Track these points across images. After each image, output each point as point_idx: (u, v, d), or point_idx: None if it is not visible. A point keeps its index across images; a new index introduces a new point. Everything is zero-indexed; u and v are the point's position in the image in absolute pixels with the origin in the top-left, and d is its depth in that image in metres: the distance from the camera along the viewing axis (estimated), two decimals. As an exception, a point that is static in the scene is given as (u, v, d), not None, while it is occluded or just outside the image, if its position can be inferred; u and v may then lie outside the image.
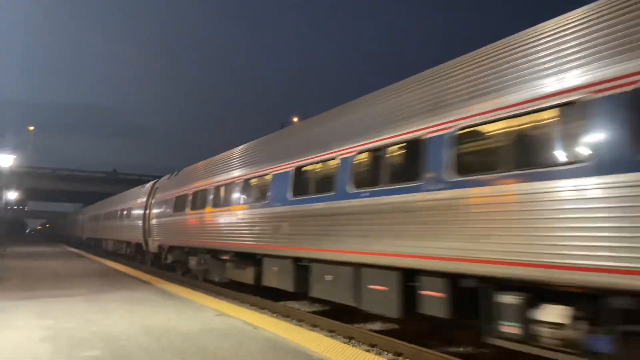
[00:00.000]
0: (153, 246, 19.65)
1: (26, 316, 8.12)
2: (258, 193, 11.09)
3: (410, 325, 8.85)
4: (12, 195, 50.66)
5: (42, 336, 6.66)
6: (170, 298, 10.68)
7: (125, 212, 26.26)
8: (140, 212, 21.93)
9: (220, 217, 12.73)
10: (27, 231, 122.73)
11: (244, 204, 11.53)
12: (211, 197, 13.44)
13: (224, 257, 12.75)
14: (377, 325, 9.31)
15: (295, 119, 34.22)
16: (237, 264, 12.05)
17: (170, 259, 17.49)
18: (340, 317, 9.92)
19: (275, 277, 10.14)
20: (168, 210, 17.60)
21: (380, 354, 7.10)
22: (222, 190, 12.88)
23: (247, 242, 11.05)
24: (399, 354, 7.09)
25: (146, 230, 20.75)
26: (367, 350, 7.03)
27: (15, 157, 24.32)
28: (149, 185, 22.88)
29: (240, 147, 13.20)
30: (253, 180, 11.35)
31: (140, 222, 21.86)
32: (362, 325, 9.21)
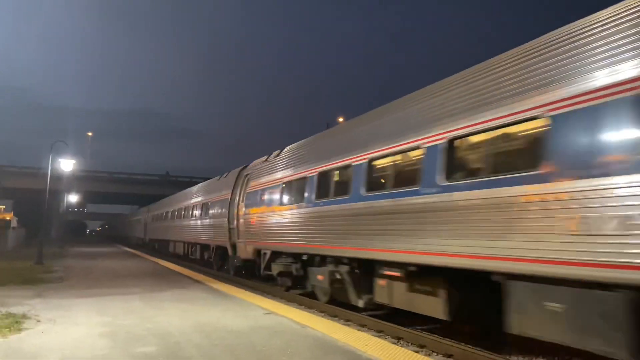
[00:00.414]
0: (244, 251, 15.11)
1: (87, 313, 8.53)
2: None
3: (459, 327, 8.66)
4: (72, 198, 53.49)
5: (101, 332, 6.98)
6: (221, 296, 10.94)
7: (200, 209, 22.08)
8: (223, 208, 17.75)
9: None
10: (87, 232, 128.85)
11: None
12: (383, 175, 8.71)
13: (389, 273, 8.22)
14: (426, 326, 9.16)
15: (341, 119, 34.22)
16: (415, 285, 7.81)
17: (275, 269, 12.59)
18: (388, 318, 9.84)
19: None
20: (271, 201, 13.13)
21: (429, 355, 6.99)
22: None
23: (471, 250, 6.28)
24: (449, 356, 6.96)
25: (234, 230, 16.29)
26: (416, 351, 6.93)
27: (75, 162, 25.56)
28: (233, 173, 18.16)
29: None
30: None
31: (223, 221, 17.55)
32: (410, 326, 9.09)
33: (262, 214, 13.82)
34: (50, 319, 7.82)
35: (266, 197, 13.58)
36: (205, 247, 21.15)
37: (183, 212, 26.01)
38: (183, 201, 26.77)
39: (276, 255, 12.86)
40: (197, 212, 22.61)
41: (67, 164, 24.55)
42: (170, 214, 30.25)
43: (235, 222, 16.12)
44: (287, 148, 13.67)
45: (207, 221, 20.29)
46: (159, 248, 34.79)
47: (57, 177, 32.17)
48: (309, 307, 11.06)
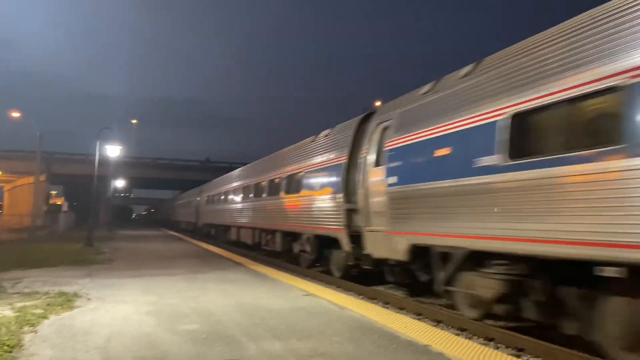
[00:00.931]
0: (385, 246, 9.36)
1: (134, 292, 8.87)
2: None
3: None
4: (119, 183, 55.38)
5: (147, 310, 7.25)
6: (262, 278, 11.14)
7: (286, 183, 15.86)
8: (333, 178, 12.07)
9: None
10: (133, 216, 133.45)
11: None
12: None
13: None
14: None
15: (378, 103, 33.84)
16: None
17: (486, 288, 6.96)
18: (426, 301, 9.79)
19: None
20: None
21: (470, 338, 6.92)
22: None
23: None
24: (490, 339, 6.86)
25: (357, 213, 10.77)
26: (457, 334, 6.87)
27: (120, 148, 26.41)
28: (349, 125, 12.18)
29: None
30: None
31: (328, 199, 12.19)
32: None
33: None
34: (100, 298, 8.18)
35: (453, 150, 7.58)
36: (291, 236, 15.56)
37: (256, 190, 20.03)
38: (256, 176, 20.60)
39: (477, 259, 7.14)
40: (279, 188, 16.57)
41: (113, 150, 25.40)
42: (233, 193, 24.48)
43: (362, 198, 10.50)
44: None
45: (301, 199, 14.46)
46: (216, 234, 29.48)
47: (104, 163, 33.34)
48: (347, 290, 11.12)
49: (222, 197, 27.16)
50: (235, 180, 24.94)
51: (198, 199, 36.89)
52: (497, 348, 6.46)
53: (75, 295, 8.32)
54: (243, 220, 21.92)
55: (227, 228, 25.91)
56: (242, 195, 22.57)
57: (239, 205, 23.06)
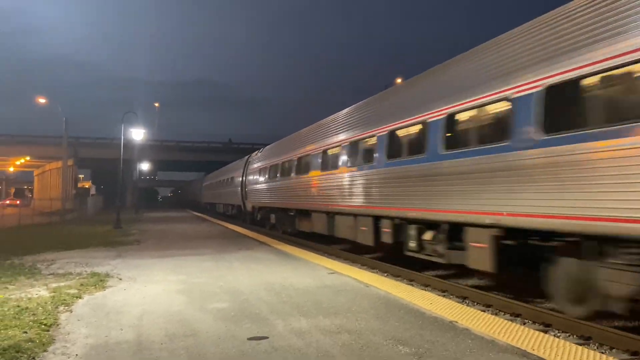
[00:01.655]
0: None
1: (163, 272, 9.09)
2: None
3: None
4: (144, 166, 56.32)
5: (177, 289, 7.43)
6: (287, 257, 11.27)
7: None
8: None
9: None
10: (159, 198, 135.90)
11: None
12: None
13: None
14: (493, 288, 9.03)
15: (399, 80, 33.40)
16: None
17: None
18: (451, 279, 9.79)
19: None
20: None
21: (496, 314, 6.91)
22: None
23: None
24: (517, 315, 6.84)
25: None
26: (483, 310, 6.86)
27: (145, 131, 26.79)
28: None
29: None
30: None
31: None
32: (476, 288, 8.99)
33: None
34: (131, 277, 8.41)
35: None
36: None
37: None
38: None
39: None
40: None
41: (137, 134, 25.79)
42: (212, 184, 25.42)
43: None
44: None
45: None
46: (211, 209, 30.42)
47: (130, 147, 33.87)
48: (371, 268, 11.18)
49: (293, 166, 17.19)
50: (319, 137, 15.38)
51: (245, 174, 26.64)
52: (524, 324, 6.44)
53: (107, 275, 8.57)
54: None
55: (302, 214, 16.60)
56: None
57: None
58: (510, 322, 5.56)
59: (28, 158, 62.46)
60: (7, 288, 7.39)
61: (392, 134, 10.25)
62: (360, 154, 11.88)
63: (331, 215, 13.63)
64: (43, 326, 5.21)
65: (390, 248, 10.73)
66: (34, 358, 4.31)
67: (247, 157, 27.84)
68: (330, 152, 13.88)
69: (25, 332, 4.94)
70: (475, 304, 7.63)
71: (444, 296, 7.86)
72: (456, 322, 5.46)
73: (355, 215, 11.97)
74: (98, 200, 44.26)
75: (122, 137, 24.60)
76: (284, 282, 7.96)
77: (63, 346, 4.64)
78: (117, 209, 23.03)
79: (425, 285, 9.11)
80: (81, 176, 78.70)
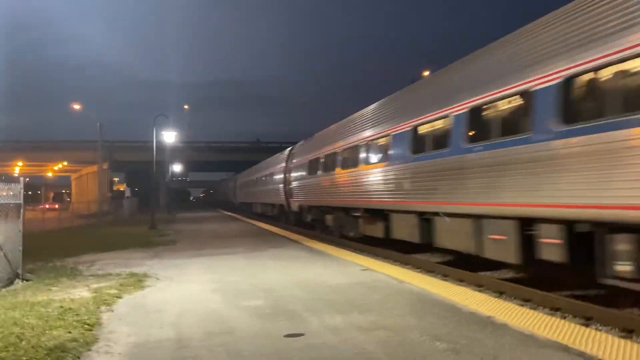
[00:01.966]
0: None
1: (198, 271, 9.25)
2: None
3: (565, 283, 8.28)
4: (176, 167, 57.38)
5: (212, 288, 7.55)
6: (318, 255, 11.31)
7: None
8: None
9: None
10: (191, 199, 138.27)
11: None
12: None
13: None
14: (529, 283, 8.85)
15: (426, 73, 32.98)
16: None
17: None
18: (484, 271, 9.63)
19: None
20: None
21: (535, 308, 6.76)
22: None
23: None
24: (557, 309, 6.69)
25: None
26: (521, 305, 6.73)
27: (176, 133, 27.29)
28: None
29: None
30: None
31: None
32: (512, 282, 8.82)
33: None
34: (168, 277, 8.60)
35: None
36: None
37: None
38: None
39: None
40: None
41: (169, 136, 26.30)
42: (248, 182, 24.59)
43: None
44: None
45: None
46: (245, 209, 28.60)
47: (162, 149, 34.55)
48: (404, 264, 11.10)
49: (359, 154, 13.74)
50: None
51: (287, 168, 23.49)
52: (564, 318, 6.28)
53: (145, 275, 8.78)
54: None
55: (372, 214, 13.19)
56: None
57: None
58: (549, 317, 5.45)
59: (65, 163, 64.53)
60: (50, 290, 7.65)
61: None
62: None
63: (426, 218, 10.09)
64: (86, 326, 5.37)
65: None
66: (78, 357, 4.46)
67: (289, 149, 24.44)
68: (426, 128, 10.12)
69: (70, 332, 5.11)
70: (513, 298, 7.48)
71: (480, 291, 7.74)
72: (493, 317, 5.37)
73: (477, 217, 8.21)
74: (133, 202, 45.31)
75: (154, 139, 25.12)
76: (317, 279, 7.99)
77: (106, 345, 4.78)
78: (152, 210, 23.56)
79: (460, 280, 8.99)
80: (116, 179, 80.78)
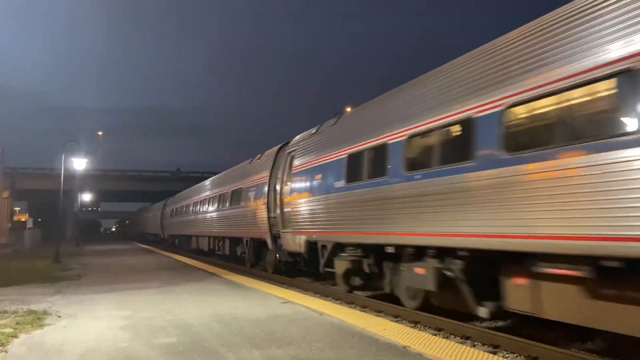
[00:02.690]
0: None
1: (107, 307, 8.65)
2: None
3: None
4: (86, 197, 54.07)
5: (122, 325, 7.08)
6: (237, 288, 11.03)
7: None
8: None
9: None
10: (101, 230, 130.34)
11: None
12: None
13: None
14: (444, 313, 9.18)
15: (349, 109, 34.07)
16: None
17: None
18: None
19: None
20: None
21: (447, 337, 7.01)
22: None
23: None
24: (467, 337, 6.97)
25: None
26: (434, 334, 6.95)
27: (87, 160, 25.83)
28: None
29: None
30: None
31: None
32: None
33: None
34: (71, 314, 7.95)
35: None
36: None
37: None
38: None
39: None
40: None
41: (79, 163, 24.82)
42: (191, 206, 26.93)
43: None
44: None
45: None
46: (180, 244, 32.16)
47: (71, 177, 32.52)
48: (324, 296, 11.11)
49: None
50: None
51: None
52: (474, 346, 6.56)
53: (45, 313, 8.07)
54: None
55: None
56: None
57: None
58: (460, 345, 5.67)
59: (-42, 190, 58.59)
60: None
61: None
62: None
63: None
64: (-27, 370, 4.82)
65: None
66: (-39, 406, 3.97)
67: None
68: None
69: (-48, 378, 4.55)
70: (427, 328, 7.72)
71: (396, 321, 7.91)
72: (409, 347, 5.49)
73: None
74: (36, 234, 41.86)
75: (63, 167, 23.59)
76: (235, 313, 7.77)
77: (-5, 391, 4.30)
78: (56, 243, 21.88)
79: (379, 311, 9.14)
80: (17, 209, 74.47)
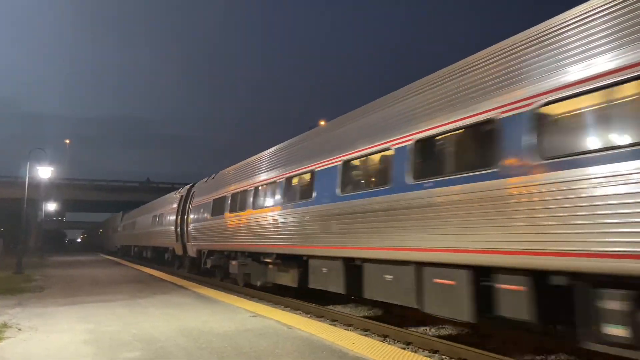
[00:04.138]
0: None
1: (69, 321, 8.38)
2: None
3: (450, 323, 8.77)
4: (51, 206, 52.53)
5: (84, 339, 6.87)
6: (206, 301, 10.85)
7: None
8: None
9: None
10: (67, 241, 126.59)
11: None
12: None
13: None
14: (412, 324, 9.25)
15: (322, 122, 34.28)
16: None
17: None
18: (373, 317, 9.89)
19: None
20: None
21: (415, 351, 7.05)
22: None
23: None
24: (435, 351, 7.02)
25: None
26: (403, 348, 6.98)
27: (53, 169, 25.16)
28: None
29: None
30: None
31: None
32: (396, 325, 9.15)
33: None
34: (32, 327, 7.68)
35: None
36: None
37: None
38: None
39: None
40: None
41: (45, 172, 24.18)
42: (135, 223, 35.10)
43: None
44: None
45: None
46: (125, 252, 40.08)
47: (35, 186, 31.61)
48: (294, 309, 11.05)
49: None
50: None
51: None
52: (442, 357, 6.62)
53: (5, 325, 7.76)
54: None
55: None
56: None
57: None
58: (428, 359, 5.69)
59: None
60: None
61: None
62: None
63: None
64: None
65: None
66: None
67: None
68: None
69: None
70: (396, 341, 7.74)
71: (366, 335, 7.92)
72: (378, 360, 5.49)
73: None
74: (-4, 244, 40.41)
75: (27, 175, 22.91)
76: (203, 327, 7.63)
77: (-53, 409, 4.10)
78: (19, 253, 21.14)
79: (348, 325, 9.14)
80: (-23, 217, 71.64)
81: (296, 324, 7.96)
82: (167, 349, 6.22)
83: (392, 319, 9.57)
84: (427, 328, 8.86)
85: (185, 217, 20.57)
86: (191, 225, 19.61)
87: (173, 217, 22.83)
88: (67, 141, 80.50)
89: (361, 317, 9.70)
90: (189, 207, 20.30)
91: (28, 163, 22.78)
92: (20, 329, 7.53)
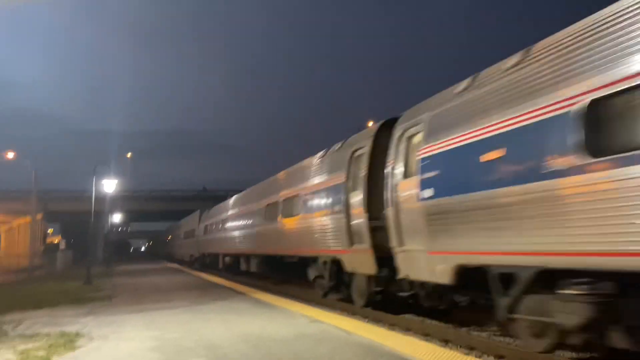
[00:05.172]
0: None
1: (136, 328, 8.74)
2: None
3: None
4: (116, 218, 55.17)
5: (151, 346, 7.13)
6: (264, 306, 11.01)
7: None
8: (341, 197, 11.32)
9: None
10: (131, 250, 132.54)
11: None
12: None
13: None
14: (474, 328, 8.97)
15: (370, 123, 34.04)
16: None
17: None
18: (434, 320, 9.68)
19: None
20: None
21: (480, 357, 6.83)
22: None
23: None
24: (501, 357, 6.77)
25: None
26: (466, 353, 6.78)
27: (117, 182, 26.43)
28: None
29: None
30: None
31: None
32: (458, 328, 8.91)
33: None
34: (102, 336, 8.05)
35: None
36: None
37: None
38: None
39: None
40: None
41: (109, 185, 25.41)
42: (228, 219, 24.45)
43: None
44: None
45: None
46: (207, 263, 30.39)
47: (101, 199, 33.27)
48: (352, 314, 10.99)
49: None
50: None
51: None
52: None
53: (77, 334, 8.18)
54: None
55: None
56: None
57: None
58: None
59: (-6, 214, 60.48)
60: (-31, 353, 6.97)
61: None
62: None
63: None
64: (7, 393, 4.89)
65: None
66: None
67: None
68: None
69: (-12, 401, 4.64)
70: (458, 346, 7.53)
71: (426, 340, 7.75)
72: (440, 367, 5.36)
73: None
74: (68, 255, 42.77)
75: (94, 189, 24.18)
76: (263, 333, 7.74)
77: (29, 415, 4.36)
78: (87, 264, 22.33)
79: (407, 330, 8.98)
80: (50, 230, 76.40)
81: (355, 329, 7.91)
82: (229, 355, 6.34)
83: (453, 322, 9.34)
84: (491, 332, 8.57)
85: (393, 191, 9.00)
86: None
87: (340, 197, 11.39)
88: (129, 155, 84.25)
89: (420, 319, 9.52)
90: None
91: (94, 178, 24.05)
92: (92, 338, 7.91)
